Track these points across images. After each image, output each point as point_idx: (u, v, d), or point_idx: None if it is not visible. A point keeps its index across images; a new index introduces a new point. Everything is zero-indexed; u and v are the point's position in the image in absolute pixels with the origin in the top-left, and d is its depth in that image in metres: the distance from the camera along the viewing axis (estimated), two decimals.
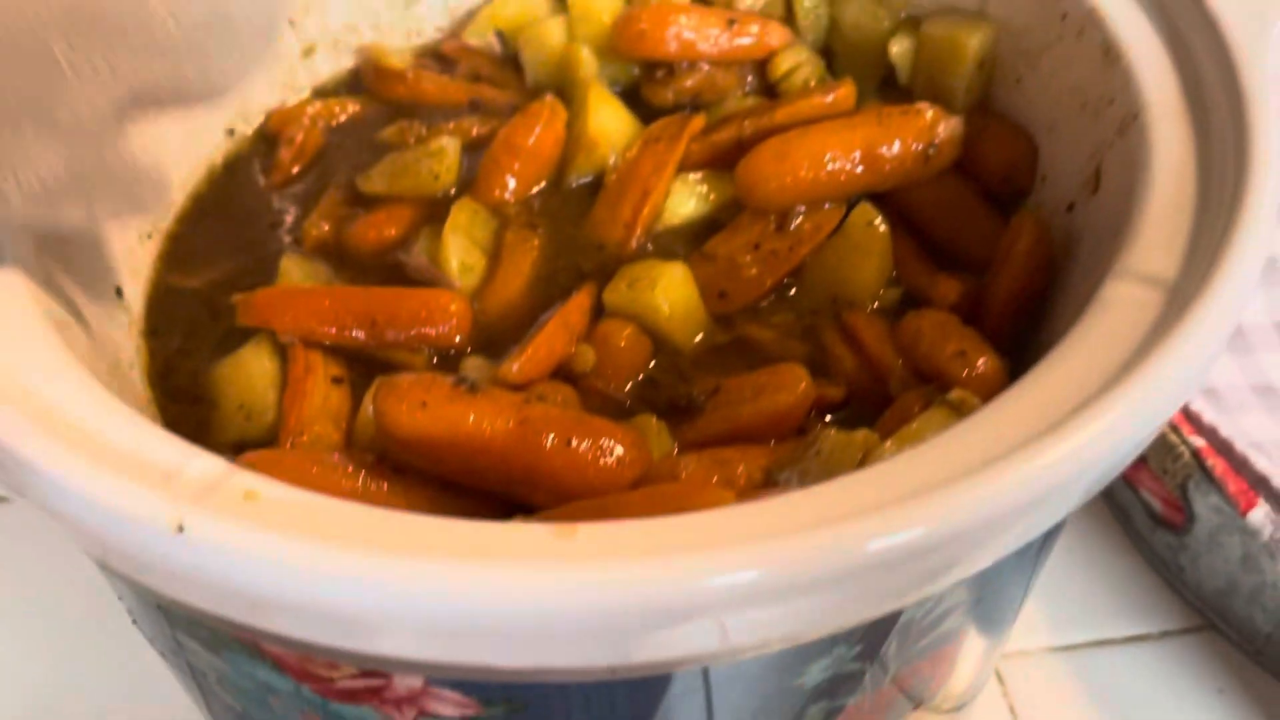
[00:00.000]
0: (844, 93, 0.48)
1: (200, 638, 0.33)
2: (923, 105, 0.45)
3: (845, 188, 0.45)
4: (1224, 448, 0.52)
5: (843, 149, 0.45)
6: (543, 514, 0.34)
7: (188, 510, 0.26)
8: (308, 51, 0.55)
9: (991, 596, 0.37)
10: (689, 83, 0.52)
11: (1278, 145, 0.34)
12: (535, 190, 0.50)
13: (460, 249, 0.46)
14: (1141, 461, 0.55)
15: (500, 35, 0.55)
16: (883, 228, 0.45)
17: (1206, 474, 0.52)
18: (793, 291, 0.46)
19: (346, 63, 0.56)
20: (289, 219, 0.50)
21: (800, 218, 0.45)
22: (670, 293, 0.44)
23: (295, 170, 0.52)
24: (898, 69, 0.51)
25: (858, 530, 0.26)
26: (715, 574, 0.25)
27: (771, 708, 0.34)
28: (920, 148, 0.45)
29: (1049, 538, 0.38)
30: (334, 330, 0.43)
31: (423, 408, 0.36)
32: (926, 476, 0.28)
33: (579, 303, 0.44)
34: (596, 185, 0.50)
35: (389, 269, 0.46)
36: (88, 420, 0.30)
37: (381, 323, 0.43)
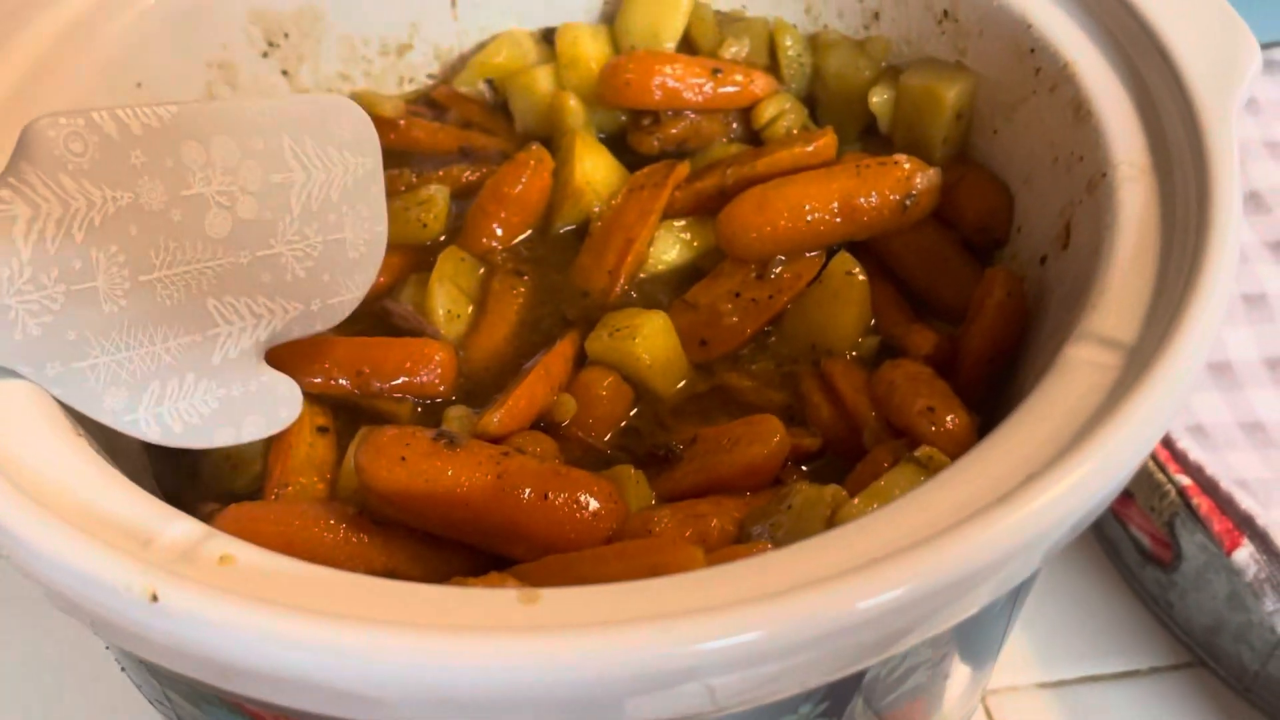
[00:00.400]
0: (825, 142, 0.48)
1: (182, 692, 0.34)
2: (900, 157, 0.46)
3: (824, 237, 0.46)
4: (1209, 486, 0.52)
5: (821, 200, 0.45)
6: (516, 569, 0.35)
7: (160, 580, 0.27)
8: None
9: (968, 642, 0.38)
10: (674, 130, 0.52)
11: (1238, 209, 0.34)
12: (522, 237, 0.51)
13: (447, 298, 0.47)
14: (1130, 498, 0.54)
15: (490, 83, 0.56)
16: (861, 277, 0.45)
17: (1192, 512, 0.52)
18: (773, 339, 0.47)
19: None
20: None
21: (780, 266, 0.46)
22: (651, 342, 0.44)
23: None
24: (878, 118, 0.52)
25: (830, 597, 0.27)
26: (691, 641, 0.26)
27: None
28: (897, 198, 0.45)
29: (1011, 597, 0.38)
30: (319, 379, 0.43)
31: (402, 463, 0.37)
32: (894, 538, 0.28)
33: (561, 351, 0.45)
34: (583, 232, 0.50)
35: (375, 316, 0.47)
36: (66, 480, 0.31)
37: (368, 372, 0.44)
